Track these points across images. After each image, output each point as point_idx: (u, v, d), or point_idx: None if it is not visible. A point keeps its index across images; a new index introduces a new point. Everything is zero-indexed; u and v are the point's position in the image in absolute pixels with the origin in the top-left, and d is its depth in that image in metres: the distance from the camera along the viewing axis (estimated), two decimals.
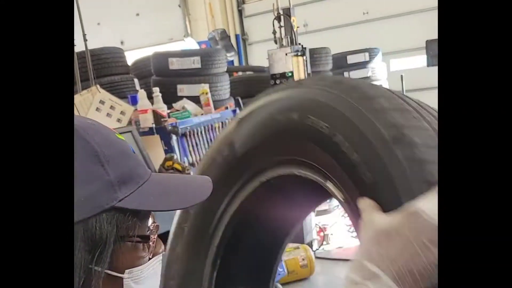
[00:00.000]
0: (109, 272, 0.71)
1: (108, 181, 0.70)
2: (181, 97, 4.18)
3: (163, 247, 0.82)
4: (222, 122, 3.60)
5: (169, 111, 3.59)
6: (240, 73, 6.70)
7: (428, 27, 6.00)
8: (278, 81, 4.12)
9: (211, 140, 3.50)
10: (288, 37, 4.17)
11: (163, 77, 4.66)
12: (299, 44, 4.13)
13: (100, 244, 0.69)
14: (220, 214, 1.10)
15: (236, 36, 9.62)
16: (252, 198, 1.07)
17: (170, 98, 4.15)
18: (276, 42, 4.25)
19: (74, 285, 0.66)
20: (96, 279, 0.69)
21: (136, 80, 5.04)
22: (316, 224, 4.57)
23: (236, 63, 9.09)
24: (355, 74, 6.14)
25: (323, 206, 5.57)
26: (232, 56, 8.01)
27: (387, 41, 7.68)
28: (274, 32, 4.24)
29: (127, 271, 0.74)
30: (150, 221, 0.78)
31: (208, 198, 0.80)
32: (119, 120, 3.62)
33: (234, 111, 3.78)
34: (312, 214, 4.31)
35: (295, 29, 4.19)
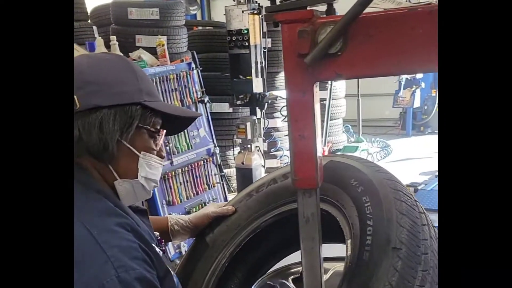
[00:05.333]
0: (131, 147, 1.05)
1: (139, 88, 1.06)
2: (139, 48, 4.25)
3: (164, 154, 1.15)
4: (176, 74, 3.73)
5: None
6: (200, 28, 6.75)
7: None
8: (234, 38, 4.25)
9: (165, 90, 3.62)
10: None
11: (122, 26, 4.70)
12: (256, 2, 4.24)
13: (128, 123, 1.02)
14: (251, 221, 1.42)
15: None
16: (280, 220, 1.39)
17: (129, 47, 4.21)
18: None
19: (109, 149, 1.00)
20: (121, 148, 1.03)
21: (95, 28, 5.06)
22: None
23: (198, 17, 9.07)
24: None
25: (275, 164, 5.83)
26: (194, 10, 8.00)
27: None
28: None
29: (142, 152, 1.07)
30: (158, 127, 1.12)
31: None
32: None
33: (189, 64, 3.89)
34: (262, 169, 4.56)
35: None
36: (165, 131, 1.13)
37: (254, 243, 1.43)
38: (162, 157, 1.13)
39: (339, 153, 6.55)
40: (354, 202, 1.13)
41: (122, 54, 1.18)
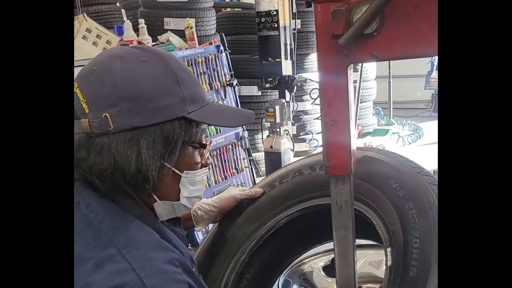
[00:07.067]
0: (173, 169, 0.93)
1: (182, 97, 0.90)
2: (168, 30, 4.24)
3: (210, 161, 1.03)
4: (205, 57, 3.70)
5: (154, 43, 3.66)
6: (228, 10, 6.69)
7: None
8: (263, 19, 4.19)
9: (193, 73, 3.60)
10: None
11: (150, 9, 4.69)
12: None
13: (172, 143, 0.89)
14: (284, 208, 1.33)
15: None
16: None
17: (157, 30, 4.21)
18: None
19: (149, 181, 0.88)
20: (164, 172, 0.91)
21: (123, 11, 5.07)
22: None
23: None
24: None
25: (304, 147, 5.79)
26: None
27: None
28: None
29: (185, 171, 0.95)
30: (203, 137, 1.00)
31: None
32: (104, 50, 3.70)
33: (217, 47, 3.86)
34: (291, 153, 4.53)
35: None
36: (211, 141, 1.03)
37: (275, 237, 1.34)
38: (207, 165, 1.01)
39: (369, 137, 6.46)
40: (395, 207, 1.05)
41: (158, 50, 0.98)
